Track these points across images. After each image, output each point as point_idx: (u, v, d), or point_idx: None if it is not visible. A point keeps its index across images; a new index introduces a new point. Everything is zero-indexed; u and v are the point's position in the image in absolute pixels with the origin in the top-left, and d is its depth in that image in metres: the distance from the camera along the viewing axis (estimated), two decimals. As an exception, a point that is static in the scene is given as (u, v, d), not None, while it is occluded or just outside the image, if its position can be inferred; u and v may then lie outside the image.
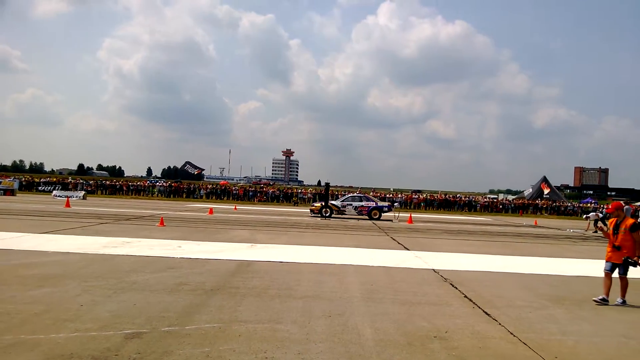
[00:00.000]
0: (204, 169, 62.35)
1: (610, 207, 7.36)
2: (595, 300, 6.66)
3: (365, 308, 5.97)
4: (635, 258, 6.53)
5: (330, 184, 25.98)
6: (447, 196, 47.33)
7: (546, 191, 53.67)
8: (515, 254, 11.69)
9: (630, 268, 6.71)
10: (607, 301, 6.63)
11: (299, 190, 49.15)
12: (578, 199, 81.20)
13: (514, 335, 5.06)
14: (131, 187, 46.13)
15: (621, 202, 7.17)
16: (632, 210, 21.00)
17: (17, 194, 35.06)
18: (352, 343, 4.61)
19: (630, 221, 6.81)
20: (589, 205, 46.75)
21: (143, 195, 44.03)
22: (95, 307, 5.50)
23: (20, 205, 23.76)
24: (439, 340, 4.82)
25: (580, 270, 6.82)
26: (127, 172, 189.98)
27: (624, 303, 6.69)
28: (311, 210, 24.06)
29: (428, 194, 52.37)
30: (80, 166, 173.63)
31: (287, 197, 43.90)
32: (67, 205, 23.70)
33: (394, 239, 14.29)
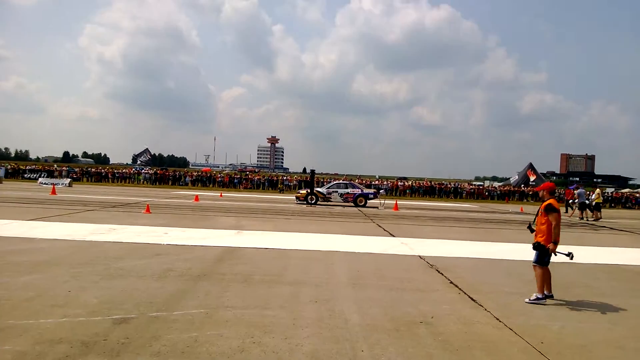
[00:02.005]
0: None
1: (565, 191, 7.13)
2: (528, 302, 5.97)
3: (352, 294, 6.03)
4: (549, 245, 5.90)
5: (316, 172, 25.97)
6: (433, 183, 47.71)
7: (532, 178, 54.30)
8: (501, 241, 11.86)
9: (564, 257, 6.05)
10: (546, 298, 6.02)
11: (285, 178, 49.08)
12: (564, 185, 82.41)
13: (500, 321, 5.16)
14: (117, 175, 45.63)
15: (552, 183, 6.75)
16: (585, 194, 21.44)
17: (3, 182, 34.50)
18: (339, 328, 4.67)
19: (546, 202, 6.12)
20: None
21: (129, 183, 43.63)
22: (84, 293, 5.48)
23: (7, 192, 23.37)
24: (425, 325, 4.90)
25: (562, 256, 6.97)
26: (113, 160, 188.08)
27: (539, 300, 5.93)
28: (297, 198, 24.07)
29: (414, 181, 52.68)
30: (66, 154, 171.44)
31: (272, 185, 43.83)
32: (53, 192, 23.39)
33: (380, 226, 14.40)
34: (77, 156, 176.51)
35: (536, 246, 6.06)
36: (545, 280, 6.06)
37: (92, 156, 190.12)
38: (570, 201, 25.26)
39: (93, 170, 48.37)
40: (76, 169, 47.88)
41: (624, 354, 4.34)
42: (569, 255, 6.03)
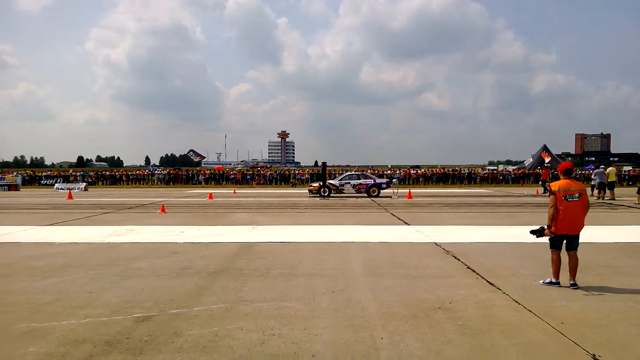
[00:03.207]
0: (205, 157, 62.30)
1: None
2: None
3: (368, 283, 6.04)
4: (546, 226, 5.80)
5: (328, 164, 25.95)
6: (446, 170, 47.36)
7: (547, 160, 53.25)
8: (517, 224, 11.76)
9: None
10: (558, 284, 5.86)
11: (297, 172, 49.16)
12: (580, 166, 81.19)
13: (519, 303, 5.13)
14: (131, 177, 46.23)
15: (568, 163, 6.28)
16: (603, 173, 21.01)
17: (21, 189, 35.18)
18: (357, 317, 4.69)
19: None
20: (589, 171, 46.58)
21: (143, 184, 44.14)
22: (104, 293, 5.58)
23: (25, 199, 23.82)
24: (443, 311, 4.89)
25: (582, 236, 6.81)
26: (126, 162, 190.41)
27: (552, 283, 5.85)
28: (310, 191, 24.09)
29: (427, 169, 52.35)
30: (80, 158, 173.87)
31: (285, 179, 43.95)
32: (70, 197, 23.78)
33: (394, 215, 14.37)
34: (91, 160, 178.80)
35: (534, 231, 5.98)
36: (553, 265, 5.87)
37: (106, 159, 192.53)
38: (546, 182, 25.53)
39: (107, 173, 49.03)
40: (91, 173, 48.65)
41: (645, 332, 4.29)
42: (537, 232, 5.94)
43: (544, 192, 25.45)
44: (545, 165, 51.85)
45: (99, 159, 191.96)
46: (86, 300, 5.29)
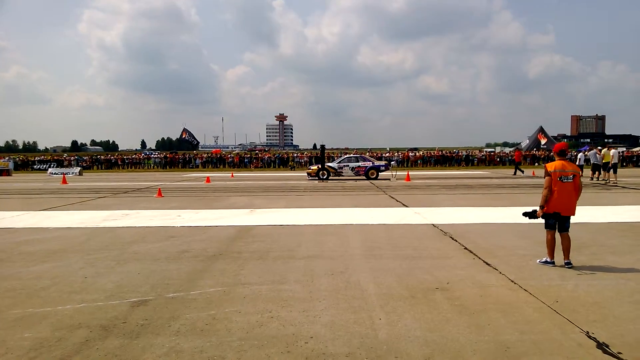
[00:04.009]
0: (198, 142, 61.57)
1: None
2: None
3: (366, 265, 6.04)
4: (539, 207, 5.83)
5: (326, 147, 25.86)
6: (444, 152, 47.32)
7: (543, 141, 53.53)
8: (513, 205, 11.77)
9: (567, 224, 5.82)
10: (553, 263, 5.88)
11: (295, 155, 49.03)
12: (575, 147, 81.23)
13: (515, 283, 5.14)
14: (126, 161, 46.00)
15: (563, 143, 6.25)
16: (595, 153, 20.91)
17: (13, 174, 34.95)
18: (356, 298, 4.69)
19: None
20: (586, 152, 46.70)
21: (139, 168, 43.97)
22: (100, 278, 5.55)
23: (18, 184, 23.69)
24: (441, 291, 4.90)
25: (577, 216, 6.84)
26: (121, 146, 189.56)
27: (547, 263, 5.89)
28: (308, 174, 24.04)
29: (425, 151, 52.31)
30: (74, 143, 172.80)
31: (283, 162, 43.84)
32: (64, 182, 23.65)
33: (392, 197, 14.36)
34: (85, 145, 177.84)
35: (529, 212, 6.01)
36: (547, 245, 5.90)
37: (101, 144, 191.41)
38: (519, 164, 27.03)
39: (102, 157, 48.75)
40: (85, 158, 48.33)
41: (636, 308, 4.31)
42: (529, 214, 5.99)
43: (514, 174, 25.77)
44: (542, 146, 52.02)
45: (93, 143, 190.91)
46: (82, 285, 5.27)
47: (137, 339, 3.77)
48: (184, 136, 51.47)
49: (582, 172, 20.89)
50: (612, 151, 21.23)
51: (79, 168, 35.98)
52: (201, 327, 3.99)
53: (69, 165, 41.21)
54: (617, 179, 20.25)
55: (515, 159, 28.78)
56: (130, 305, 4.59)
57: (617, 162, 20.14)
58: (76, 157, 48.77)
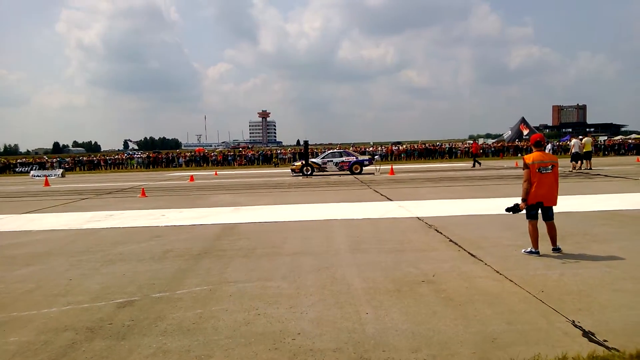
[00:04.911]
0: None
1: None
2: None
3: (352, 259, 6.06)
4: (520, 200, 5.90)
5: (310, 142, 25.85)
6: (427, 145, 47.64)
7: (525, 132, 54.15)
8: (497, 196, 11.91)
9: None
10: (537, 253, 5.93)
11: (279, 151, 48.88)
12: (557, 137, 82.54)
13: (500, 274, 5.20)
14: (109, 161, 45.39)
15: (538, 135, 6.28)
16: (578, 143, 21.09)
17: (-8, 177, 34.22)
18: (342, 293, 4.70)
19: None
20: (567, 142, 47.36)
21: (122, 169, 43.44)
22: (85, 280, 5.48)
23: (-3, 187, 23.20)
24: (427, 284, 4.93)
25: (561, 206, 6.96)
26: (104, 147, 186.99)
27: (531, 252, 5.93)
28: (292, 170, 24.01)
29: (408, 145, 52.57)
30: (56, 144, 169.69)
31: (267, 159, 43.67)
32: (46, 184, 23.25)
33: (376, 191, 14.42)
34: (67, 146, 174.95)
35: (511, 207, 6.03)
36: (530, 235, 5.96)
37: (83, 145, 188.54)
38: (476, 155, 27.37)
39: (85, 159, 47.99)
40: (68, 159, 47.52)
41: (620, 295, 4.40)
42: (512, 208, 6.01)
43: (473, 167, 26.04)
44: (524, 137, 52.67)
45: (75, 144, 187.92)
46: (67, 288, 5.19)
47: (123, 340, 3.73)
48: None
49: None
50: (574, 140, 21.63)
51: (62, 170, 35.40)
52: (188, 327, 3.96)
53: (51, 167, 40.50)
54: (594, 167, 20.80)
55: (473, 150, 28.69)
56: (116, 306, 4.54)
57: (577, 151, 20.53)
58: (58, 158, 47.91)
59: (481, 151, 34.22)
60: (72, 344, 3.69)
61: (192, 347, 3.58)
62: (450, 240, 6.97)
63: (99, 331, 3.93)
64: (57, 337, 3.82)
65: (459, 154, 43.78)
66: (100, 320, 4.18)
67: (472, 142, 31.39)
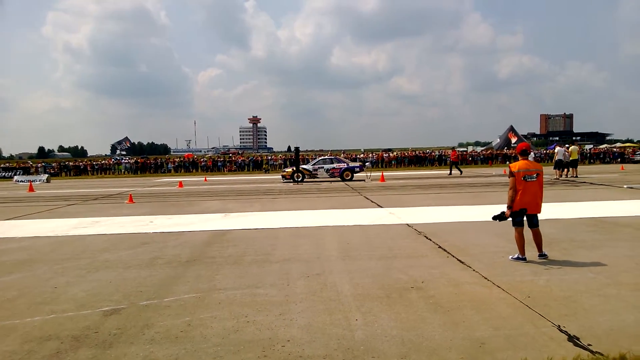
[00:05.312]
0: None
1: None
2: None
3: (342, 266, 6.05)
4: (506, 208, 5.95)
5: (301, 149, 25.86)
6: (417, 152, 47.91)
7: (514, 140, 54.80)
8: (485, 203, 12.00)
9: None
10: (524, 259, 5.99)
11: (269, 157, 48.84)
12: (545, 145, 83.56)
13: (488, 280, 5.24)
14: (96, 167, 44.89)
15: (524, 144, 6.41)
16: (563, 151, 21.29)
17: (-24, 182, 33.66)
18: (332, 300, 4.69)
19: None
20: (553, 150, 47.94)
21: (109, 174, 43.03)
22: (70, 288, 5.40)
23: (-20, 193, 22.82)
24: (416, 290, 4.95)
25: (548, 213, 7.08)
26: (90, 152, 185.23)
27: (518, 259, 5.99)
28: (283, 176, 23.98)
29: (399, 152, 52.84)
30: (41, 149, 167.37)
31: (257, 165, 43.58)
32: (31, 189, 22.92)
33: (367, 198, 14.45)
34: (53, 151, 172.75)
35: (498, 215, 6.10)
36: (517, 242, 6.02)
37: (69, 149, 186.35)
38: (455, 163, 27.25)
39: (71, 164, 47.41)
40: (53, 164, 46.93)
41: (604, 301, 4.45)
42: (498, 217, 6.08)
43: (450, 174, 26.20)
44: (513, 145, 53.24)
45: (61, 149, 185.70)
46: (51, 296, 5.11)
47: (110, 349, 3.68)
48: (127, 144, 51.00)
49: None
50: (557, 148, 21.96)
51: (47, 175, 34.88)
52: (176, 334, 3.92)
53: (36, 172, 39.96)
54: (580, 175, 21.11)
55: (452, 158, 28.48)
56: (102, 314, 4.48)
57: (561, 158, 20.80)
58: (43, 163, 47.29)
59: (460, 159, 34.63)
60: (56, 354, 3.63)
61: (180, 355, 3.54)
62: (440, 247, 7.00)
63: (85, 340, 3.87)
64: (41, 347, 3.76)
65: (448, 162, 44.00)
66: (86, 328, 4.12)
67: (451, 149, 31.47)
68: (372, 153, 53.52)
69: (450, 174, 26.64)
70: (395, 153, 50.29)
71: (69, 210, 13.78)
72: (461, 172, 27.10)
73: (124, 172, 43.36)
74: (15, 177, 34.82)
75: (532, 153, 24.42)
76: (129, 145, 54.20)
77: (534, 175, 5.89)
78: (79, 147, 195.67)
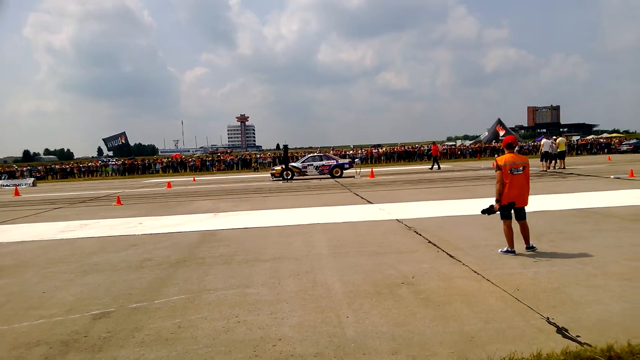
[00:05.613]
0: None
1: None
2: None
3: (333, 263, 6.06)
4: (494, 202, 6.00)
5: (289, 146, 25.81)
6: (406, 147, 48.10)
7: (502, 133, 55.18)
8: (474, 197, 12.09)
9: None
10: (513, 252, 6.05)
11: (258, 156, 48.69)
12: (532, 138, 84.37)
13: (478, 274, 5.28)
14: (83, 169, 44.49)
15: (510, 137, 6.41)
16: (550, 143, 21.45)
17: (-40, 187, 33.12)
18: (323, 298, 4.69)
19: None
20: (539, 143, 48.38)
21: (96, 176, 42.68)
22: (58, 292, 5.34)
23: (-35, 198, 22.47)
24: (406, 285, 4.97)
25: (536, 205, 7.18)
26: (77, 154, 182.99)
27: (508, 252, 6.05)
28: (272, 175, 23.94)
29: (388, 147, 52.99)
30: (26, 152, 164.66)
31: (246, 164, 43.45)
32: (16, 194, 22.64)
33: (357, 195, 14.47)
34: (38, 154, 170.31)
35: (487, 209, 6.13)
36: (505, 235, 6.08)
37: (55, 152, 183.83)
38: (436, 157, 27.67)
39: (57, 167, 46.88)
40: (39, 167, 46.38)
41: (592, 292, 4.50)
42: (487, 210, 6.11)
43: (431, 168, 26.36)
44: (500, 138, 53.64)
45: (47, 152, 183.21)
46: (39, 301, 5.05)
47: (99, 353, 3.65)
48: (122, 141, 50.57)
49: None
50: (544, 140, 22.16)
51: (33, 179, 34.50)
52: (166, 337, 3.90)
53: (22, 176, 39.46)
54: (567, 166, 21.32)
55: (433, 152, 28.66)
56: (91, 318, 4.43)
57: (547, 150, 21.01)
58: (29, 167, 46.67)
59: (441, 153, 34.93)
60: (45, 359, 3.58)
61: (171, 357, 3.52)
62: (430, 242, 7.04)
63: (74, 345, 3.83)
64: (29, 353, 3.71)
65: (431, 156, 44.22)
66: (75, 333, 4.08)
67: (432, 144, 31.57)
68: (361, 149, 53.60)
69: (432, 168, 26.80)
70: (384, 148, 50.44)
71: (56, 213, 13.62)
72: (439, 167, 27.17)
73: (112, 174, 43.00)
74: (0, 182, 34.33)
75: (515, 147, 24.43)
76: (124, 142, 53.33)
77: (521, 168, 5.94)
78: (65, 150, 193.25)
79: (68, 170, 44.41)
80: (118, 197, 16.39)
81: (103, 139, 60.86)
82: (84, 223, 10.96)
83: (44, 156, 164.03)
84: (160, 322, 4.23)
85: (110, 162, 48.37)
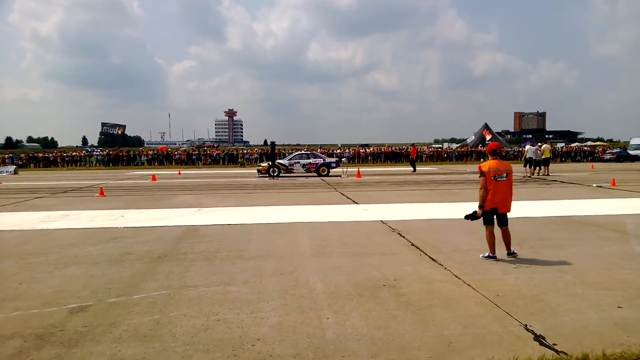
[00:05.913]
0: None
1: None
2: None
3: (316, 263, 6.05)
4: (478, 208, 6.06)
5: (277, 143, 25.73)
6: (393, 148, 48.30)
7: (488, 137, 55.76)
8: (459, 201, 12.18)
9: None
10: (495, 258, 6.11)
11: (245, 151, 48.45)
12: (518, 143, 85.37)
13: (459, 278, 5.31)
14: (66, 159, 43.79)
15: (494, 143, 6.51)
16: (534, 149, 21.60)
17: (-61, 172, 32.38)
18: (304, 298, 4.68)
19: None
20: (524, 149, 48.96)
21: (80, 166, 42.07)
22: (36, 284, 5.25)
23: (-57, 183, 21.97)
24: (388, 288, 4.98)
25: (519, 211, 7.24)
26: (61, 143, 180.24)
27: (489, 257, 6.11)
28: (258, 171, 23.82)
29: (375, 147, 53.15)
30: (8, 139, 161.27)
31: (233, 159, 43.20)
32: (-3, 180, 22.19)
33: (342, 194, 14.49)
34: (21, 141, 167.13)
35: (470, 215, 6.17)
36: (487, 241, 6.13)
37: (39, 140, 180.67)
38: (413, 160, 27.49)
39: (40, 155, 46.09)
40: (21, 155, 45.59)
41: (570, 300, 4.56)
42: (470, 216, 6.16)
43: (413, 172, 26.42)
44: (487, 142, 54.14)
45: (30, 140, 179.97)
46: (15, 292, 4.96)
47: (75, 347, 3.59)
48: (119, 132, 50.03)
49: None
50: (528, 147, 22.44)
51: (14, 166, 33.82)
52: (144, 333, 3.85)
53: (3, 163, 38.71)
54: (551, 173, 21.64)
55: (411, 155, 28.60)
56: (68, 311, 4.37)
57: (531, 156, 21.25)
58: (11, 154, 45.85)
59: (417, 155, 35.25)
60: (19, 353, 3.52)
61: (148, 354, 3.48)
62: (413, 245, 7.07)
63: (49, 338, 3.77)
64: (2, 346, 3.64)
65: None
66: (51, 326, 4.01)
67: (411, 146, 31.54)
68: (349, 148, 53.68)
69: (415, 170, 26.87)
70: (371, 149, 50.57)
71: (37, 203, 13.40)
72: (415, 170, 27.09)
73: (96, 164, 42.44)
74: (-19, 168, 33.64)
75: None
76: (120, 133, 52.78)
77: (504, 174, 6.00)
78: (49, 138, 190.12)
79: (51, 159, 43.69)
80: (101, 188, 16.18)
81: (102, 123, 60.02)
82: (64, 214, 10.80)
83: (27, 144, 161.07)
84: (138, 318, 4.18)
85: (94, 153, 47.73)
